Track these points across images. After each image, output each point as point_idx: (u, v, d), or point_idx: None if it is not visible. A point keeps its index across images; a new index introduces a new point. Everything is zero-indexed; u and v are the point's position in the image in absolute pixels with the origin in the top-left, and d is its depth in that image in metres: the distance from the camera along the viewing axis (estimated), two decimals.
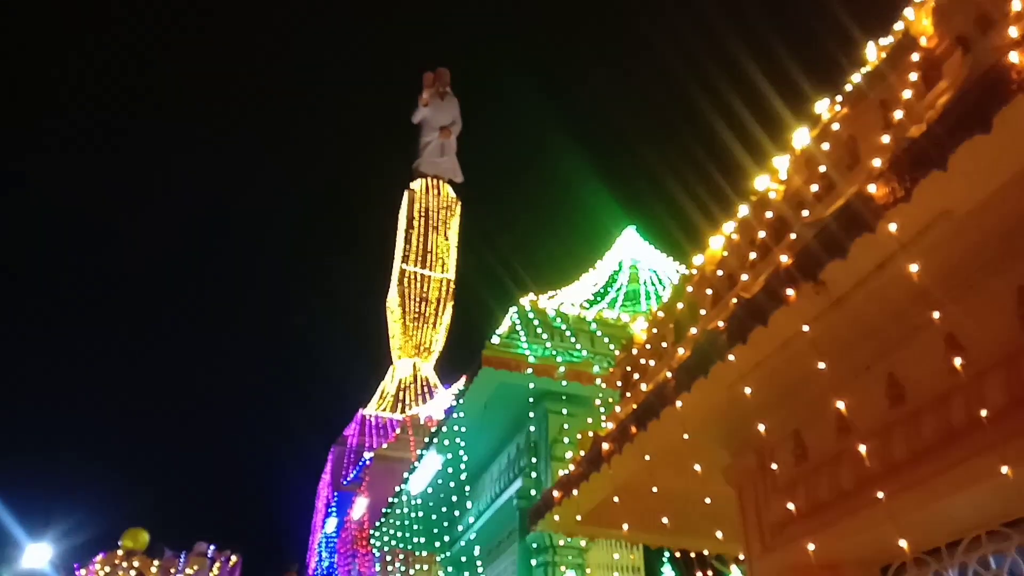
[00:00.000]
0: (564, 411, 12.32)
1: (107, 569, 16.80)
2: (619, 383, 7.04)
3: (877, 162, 3.45)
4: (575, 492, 6.45)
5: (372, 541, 20.16)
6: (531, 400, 12.55)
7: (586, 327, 13.77)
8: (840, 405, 4.19)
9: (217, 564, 24.59)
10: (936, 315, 3.52)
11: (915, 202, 3.17)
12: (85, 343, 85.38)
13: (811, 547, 4.38)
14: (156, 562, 20.97)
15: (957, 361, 3.54)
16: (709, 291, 5.33)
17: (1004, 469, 3.32)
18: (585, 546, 11.50)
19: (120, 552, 18.44)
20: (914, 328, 3.95)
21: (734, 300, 4.47)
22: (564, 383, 12.28)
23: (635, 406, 5.61)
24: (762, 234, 4.67)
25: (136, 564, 17.49)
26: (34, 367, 77.55)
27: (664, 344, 6.14)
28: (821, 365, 4.02)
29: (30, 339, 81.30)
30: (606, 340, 13.48)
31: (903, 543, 3.75)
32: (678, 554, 9.43)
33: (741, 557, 6.83)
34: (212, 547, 25.98)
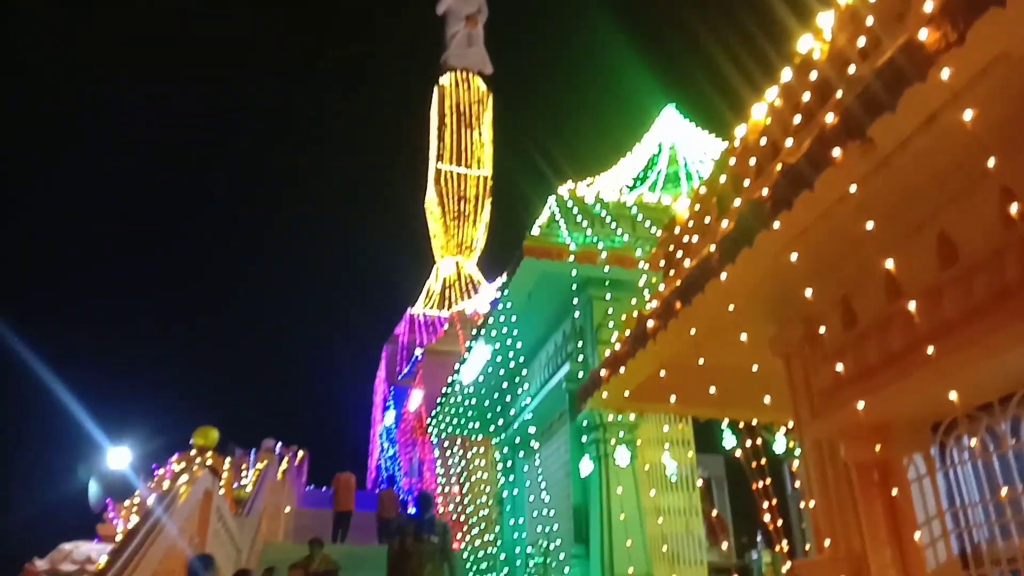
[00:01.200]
0: (608, 296, 12.41)
1: (182, 466, 17.84)
2: (662, 263, 7.01)
3: (928, 6, 3.25)
4: (622, 370, 6.56)
5: (429, 430, 21.03)
6: (574, 287, 12.66)
7: (627, 212, 13.65)
8: (889, 265, 4.13)
9: (285, 459, 25.99)
10: (991, 163, 3.39)
11: (969, 45, 2.99)
12: (155, 258, 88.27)
13: (860, 405, 4.42)
14: (228, 459, 22.22)
15: (1014, 208, 3.43)
16: (752, 161, 5.19)
17: None
18: (634, 421, 11.82)
19: (192, 452, 19.50)
20: (967, 184, 3.82)
21: (778, 167, 4.36)
22: (607, 269, 12.33)
23: (679, 282, 5.60)
24: (806, 97, 4.49)
25: (209, 461, 18.53)
26: (105, 282, 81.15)
27: (707, 220, 6.05)
28: (869, 225, 3.93)
29: (106, 258, 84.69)
30: (647, 224, 13.37)
31: (954, 396, 3.75)
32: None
33: (790, 425, 6.94)
34: (279, 443, 27.40)
